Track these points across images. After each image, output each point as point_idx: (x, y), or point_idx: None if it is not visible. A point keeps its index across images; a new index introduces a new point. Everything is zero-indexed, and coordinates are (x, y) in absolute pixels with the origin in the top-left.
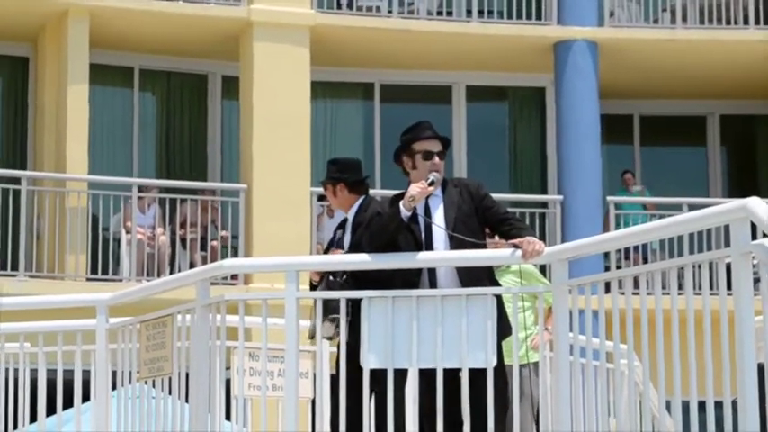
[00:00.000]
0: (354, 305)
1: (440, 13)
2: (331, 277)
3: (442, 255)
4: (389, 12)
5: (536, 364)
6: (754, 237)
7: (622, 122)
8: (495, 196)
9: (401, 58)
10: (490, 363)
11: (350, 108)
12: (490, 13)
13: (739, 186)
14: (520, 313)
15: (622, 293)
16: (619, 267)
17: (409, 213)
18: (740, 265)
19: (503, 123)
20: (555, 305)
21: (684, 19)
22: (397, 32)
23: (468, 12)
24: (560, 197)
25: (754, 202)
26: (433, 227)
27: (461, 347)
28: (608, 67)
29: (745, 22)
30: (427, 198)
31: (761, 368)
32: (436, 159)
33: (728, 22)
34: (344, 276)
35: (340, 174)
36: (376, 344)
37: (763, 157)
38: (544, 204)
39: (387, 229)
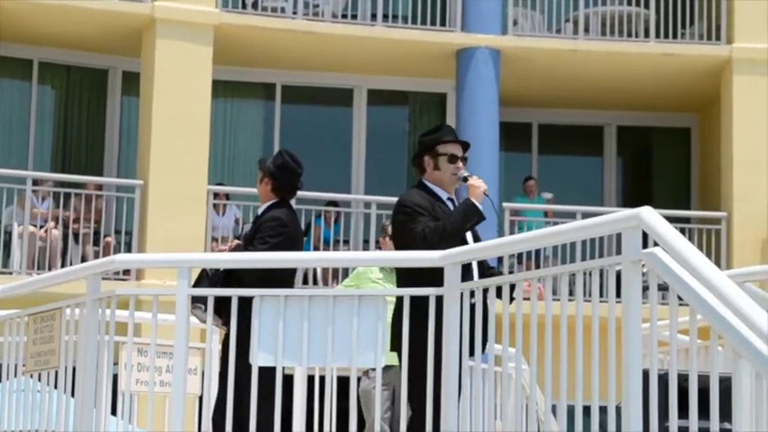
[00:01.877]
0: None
1: (344, 16)
2: (208, 270)
3: (330, 255)
4: (294, 13)
5: None
6: (645, 246)
7: (521, 130)
8: (388, 200)
9: (304, 59)
10: (379, 363)
11: (251, 108)
12: (395, 17)
13: (633, 197)
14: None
15: (513, 298)
16: (511, 272)
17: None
18: (630, 273)
19: (403, 128)
20: (446, 308)
21: (587, 30)
22: (300, 34)
23: (373, 16)
24: None
25: (646, 212)
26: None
27: (351, 347)
28: (509, 76)
29: (646, 35)
30: (453, 201)
31: (645, 375)
32: (460, 164)
33: (629, 35)
34: (220, 270)
35: (275, 170)
36: (266, 342)
37: (658, 169)
38: None
39: (468, 222)
